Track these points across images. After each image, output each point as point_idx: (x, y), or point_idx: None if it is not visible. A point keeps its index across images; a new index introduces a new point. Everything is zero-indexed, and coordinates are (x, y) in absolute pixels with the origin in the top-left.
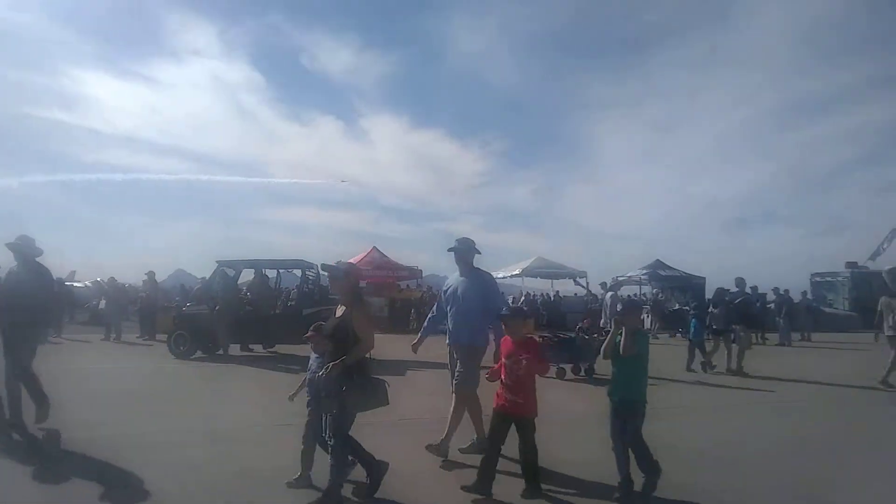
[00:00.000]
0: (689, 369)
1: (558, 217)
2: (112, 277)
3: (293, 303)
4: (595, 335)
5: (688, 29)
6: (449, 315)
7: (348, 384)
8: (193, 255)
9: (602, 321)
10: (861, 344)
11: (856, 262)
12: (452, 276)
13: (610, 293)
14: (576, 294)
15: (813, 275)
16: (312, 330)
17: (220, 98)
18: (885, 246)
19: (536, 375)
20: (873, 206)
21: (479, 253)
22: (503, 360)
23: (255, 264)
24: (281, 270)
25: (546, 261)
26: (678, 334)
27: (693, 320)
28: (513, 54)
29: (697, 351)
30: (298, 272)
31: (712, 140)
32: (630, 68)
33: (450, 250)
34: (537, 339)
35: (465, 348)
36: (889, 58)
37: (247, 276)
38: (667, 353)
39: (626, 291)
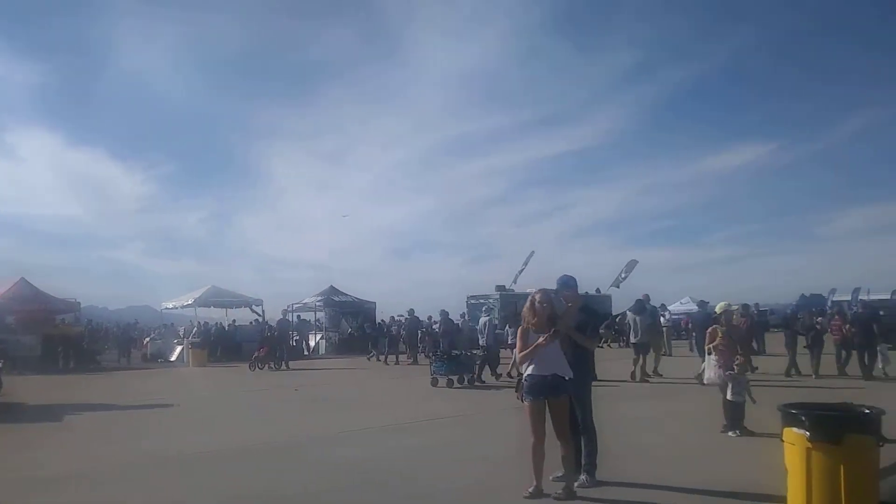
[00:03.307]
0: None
1: (231, 244)
2: None
3: None
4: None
5: (358, 67)
6: None
7: None
8: None
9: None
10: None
11: (504, 286)
12: None
13: (485, 317)
14: (251, 322)
15: (469, 297)
16: None
17: None
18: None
19: None
20: (513, 237)
21: None
22: None
23: None
24: None
25: (220, 289)
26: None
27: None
28: (183, 75)
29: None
30: None
31: (379, 173)
32: (304, 100)
33: None
34: None
35: None
36: (532, 106)
37: None
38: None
39: (302, 316)
